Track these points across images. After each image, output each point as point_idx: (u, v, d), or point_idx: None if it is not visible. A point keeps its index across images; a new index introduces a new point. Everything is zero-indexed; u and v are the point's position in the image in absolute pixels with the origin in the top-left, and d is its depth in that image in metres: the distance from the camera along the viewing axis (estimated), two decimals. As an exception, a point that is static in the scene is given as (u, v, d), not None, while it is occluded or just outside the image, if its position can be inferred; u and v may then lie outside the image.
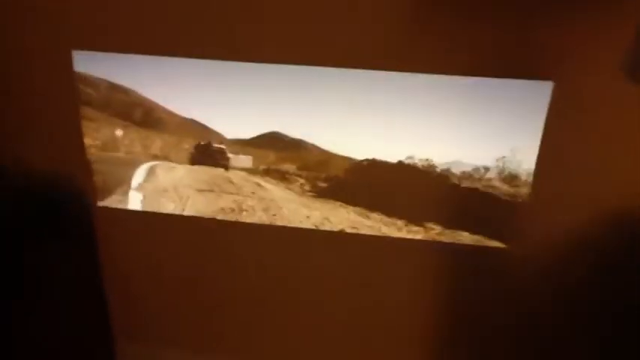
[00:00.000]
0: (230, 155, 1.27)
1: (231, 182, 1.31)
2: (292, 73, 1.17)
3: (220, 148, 1.24)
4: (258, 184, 1.31)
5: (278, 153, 1.27)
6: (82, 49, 1.20)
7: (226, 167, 1.28)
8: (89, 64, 1.22)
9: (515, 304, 1.36)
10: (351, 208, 1.29)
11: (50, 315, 1.33)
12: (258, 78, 1.19)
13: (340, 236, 1.33)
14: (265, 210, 1.32)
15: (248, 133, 1.25)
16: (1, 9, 1.19)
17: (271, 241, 1.38)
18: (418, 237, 1.29)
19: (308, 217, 1.31)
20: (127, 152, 1.33)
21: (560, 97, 1.11)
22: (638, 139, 1.12)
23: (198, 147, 1.27)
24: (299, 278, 1.44)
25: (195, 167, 1.31)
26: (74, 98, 1.26)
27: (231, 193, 1.32)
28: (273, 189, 1.31)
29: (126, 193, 1.36)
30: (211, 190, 1.33)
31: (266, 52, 1.15)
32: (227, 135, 1.26)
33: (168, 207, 1.35)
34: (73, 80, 1.24)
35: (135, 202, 1.36)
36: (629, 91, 1.06)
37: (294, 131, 1.23)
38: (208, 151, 1.26)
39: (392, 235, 1.30)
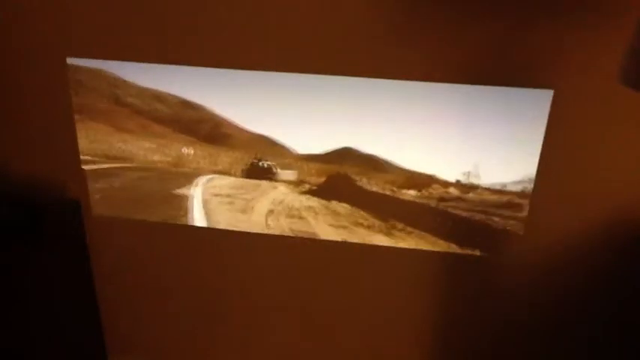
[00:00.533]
0: (277, 170, 1.30)
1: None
2: (365, 87, 1.17)
3: (269, 164, 1.28)
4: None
5: (352, 168, 1.26)
6: (77, 56, 1.21)
7: (271, 180, 1.31)
8: (161, 79, 1.24)
9: (512, 309, 1.36)
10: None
11: (43, 326, 1.31)
12: (330, 91, 1.19)
13: (336, 245, 1.34)
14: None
15: (321, 148, 1.25)
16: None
17: (267, 250, 1.38)
18: (411, 246, 1.31)
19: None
20: (194, 168, 1.33)
21: (561, 104, 1.11)
22: (637, 144, 1.13)
23: (252, 163, 1.29)
24: (297, 288, 1.43)
25: (242, 180, 1.33)
26: (69, 106, 1.27)
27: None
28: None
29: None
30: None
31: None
32: (298, 150, 1.26)
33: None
34: (67, 87, 1.25)
35: (197, 214, 1.38)
36: (628, 98, 1.06)
37: (367, 147, 1.22)
38: (259, 167, 1.29)
39: (385, 245, 1.31)
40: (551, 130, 1.14)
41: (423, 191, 1.25)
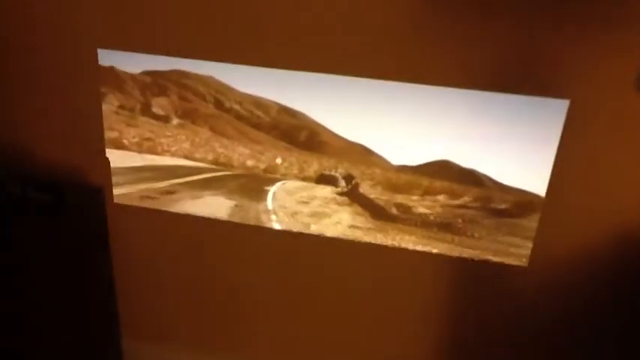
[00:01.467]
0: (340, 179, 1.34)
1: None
2: (463, 97, 1.18)
3: (334, 174, 1.33)
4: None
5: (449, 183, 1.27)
6: (107, 47, 1.25)
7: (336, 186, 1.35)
8: (261, 86, 1.26)
9: (525, 319, 1.36)
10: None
11: (59, 309, 1.34)
12: (429, 102, 1.20)
13: (347, 244, 1.36)
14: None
15: (416, 160, 1.26)
16: (33, 7, 1.25)
17: (281, 245, 1.40)
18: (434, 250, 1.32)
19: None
20: (284, 174, 1.35)
21: (576, 115, 1.12)
22: None
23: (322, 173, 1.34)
24: (312, 284, 1.45)
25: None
26: (97, 96, 1.31)
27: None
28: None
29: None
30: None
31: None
32: (393, 161, 1.27)
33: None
34: (97, 78, 1.28)
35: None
36: None
37: (465, 161, 1.23)
38: (326, 175, 1.33)
39: (407, 247, 1.33)
40: (566, 141, 1.15)
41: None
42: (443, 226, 1.31)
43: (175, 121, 1.34)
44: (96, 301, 1.49)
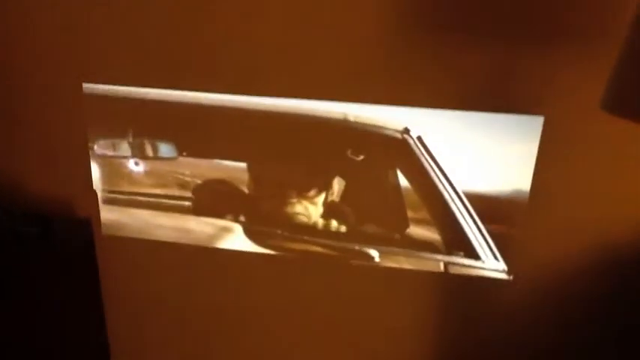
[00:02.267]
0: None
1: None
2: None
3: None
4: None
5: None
6: (93, 82, 1.29)
7: None
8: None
9: (512, 332, 1.37)
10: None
11: (48, 342, 1.33)
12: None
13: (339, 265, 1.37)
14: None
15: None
16: (18, 40, 1.30)
17: (274, 270, 1.41)
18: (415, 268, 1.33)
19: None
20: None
21: (551, 130, 1.15)
22: (628, 170, 1.15)
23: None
24: (303, 308, 1.45)
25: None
26: (83, 130, 1.34)
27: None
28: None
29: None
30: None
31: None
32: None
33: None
34: (82, 111, 1.32)
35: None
36: (618, 125, 1.03)
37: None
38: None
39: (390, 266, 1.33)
40: (543, 157, 1.18)
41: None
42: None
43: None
44: (86, 334, 1.48)
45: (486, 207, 1.27)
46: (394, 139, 1.26)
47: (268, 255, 1.40)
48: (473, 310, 1.38)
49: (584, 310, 1.31)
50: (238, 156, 1.33)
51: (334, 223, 1.36)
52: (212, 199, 1.38)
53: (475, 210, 1.27)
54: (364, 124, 1.26)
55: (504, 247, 1.28)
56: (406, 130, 1.25)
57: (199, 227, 1.40)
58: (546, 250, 1.27)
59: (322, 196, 1.35)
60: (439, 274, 1.34)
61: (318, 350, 1.52)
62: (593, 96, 1.09)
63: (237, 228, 1.39)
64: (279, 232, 1.38)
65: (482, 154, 1.22)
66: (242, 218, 1.38)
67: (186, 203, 1.38)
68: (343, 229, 1.36)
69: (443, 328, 1.42)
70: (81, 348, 1.44)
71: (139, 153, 1.34)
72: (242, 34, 1.20)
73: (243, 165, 1.34)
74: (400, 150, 1.27)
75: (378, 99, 1.21)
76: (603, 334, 1.33)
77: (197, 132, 1.32)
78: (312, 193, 1.35)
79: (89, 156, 1.38)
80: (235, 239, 1.39)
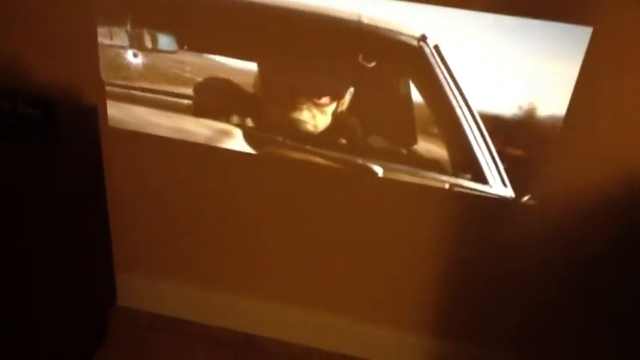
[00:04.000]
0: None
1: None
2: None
3: None
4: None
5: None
6: None
7: None
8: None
9: (527, 255, 1.34)
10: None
11: (49, 236, 1.30)
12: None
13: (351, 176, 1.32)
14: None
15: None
16: None
17: (280, 174, 1.37)
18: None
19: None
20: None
21: (599, 43, 1.03)
22: None
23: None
24: (308, 214, 1.44)
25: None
26: (91, 16, 1.26)
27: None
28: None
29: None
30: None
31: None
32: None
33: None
34: None
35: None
36: None
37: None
38: None
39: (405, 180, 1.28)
40: (586, 71, 1.07)
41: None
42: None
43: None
44: (88, 230, 1.48)
45: (507, 130, 1.16)
46: (409, 46, 1.15)
47: (271, 159, 1.36)
48: (476, 228, 1.35)
49: (600, 239, 1.27)
50: (245, 54, 1.25)
51: (340, 137, 1.29)
52: (215, 99, 1.32)
53: (493, 132, 1.17)
54: (378, 27, 1.15)
55: (520, 173, 1.19)
56: (423, 38, 1.13)
57: (197, 129, 1.36)
58: (577, 174, 1.20)
59: (333, 105, 1.27)
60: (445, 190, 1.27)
61: (328, 258, 1.51)
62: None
63: (237, 132, 1.34)
64: (280, 139, 1.32)
65: (511, 70, 1.10)
66: (244, 122, 1.33)
67: (186, 101, 1.33)
68: (348, 141, 1.29)
69: (446, 242, 1.39)
70: (83, 245, 1.45)
71: (137, 44, 1.27)
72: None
73: (248, 66, 1.26)
74: (414, 59, 1.16)
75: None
76: (620, 269, 1.29)
77: (200, 24, 1.24)
78: (323, 100, 1.27)
79: (97, 42, 1.32)
80: (234, 144, 1.35)
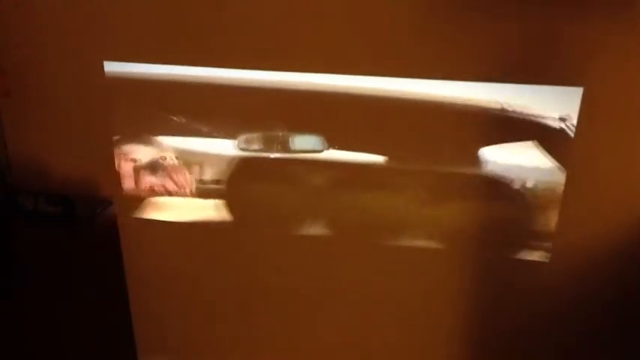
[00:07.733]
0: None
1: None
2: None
3: None
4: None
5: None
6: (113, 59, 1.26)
7: None
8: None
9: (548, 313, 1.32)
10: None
11: (72, 322, 1.31)
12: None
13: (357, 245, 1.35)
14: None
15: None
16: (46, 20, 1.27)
17: (296, 251, 1.38)
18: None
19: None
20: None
21: (591, 101, 1.08)
22: None
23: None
24: (331, 292, 1.43)
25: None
26: (105, 108, 1.31)
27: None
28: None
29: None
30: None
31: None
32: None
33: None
34: (105, 91, 1.28)
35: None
36: None
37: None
38: None
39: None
40: (581, 128, 1.11)
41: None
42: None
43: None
44: (110, 313, 1.48)
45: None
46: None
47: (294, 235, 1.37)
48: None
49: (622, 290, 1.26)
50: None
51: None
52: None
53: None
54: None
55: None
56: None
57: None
58: (585, 230, 1.21)
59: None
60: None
61: (346, 329, 1.48)
62: (634, 67, 1.04)
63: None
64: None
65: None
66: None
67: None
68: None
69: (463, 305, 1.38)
70: (104, 328, 1.44)
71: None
72: (271, 8, 1.16)
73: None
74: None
75: (409, 73, 1.15)
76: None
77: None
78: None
79: (111, 136, 1.36)
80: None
